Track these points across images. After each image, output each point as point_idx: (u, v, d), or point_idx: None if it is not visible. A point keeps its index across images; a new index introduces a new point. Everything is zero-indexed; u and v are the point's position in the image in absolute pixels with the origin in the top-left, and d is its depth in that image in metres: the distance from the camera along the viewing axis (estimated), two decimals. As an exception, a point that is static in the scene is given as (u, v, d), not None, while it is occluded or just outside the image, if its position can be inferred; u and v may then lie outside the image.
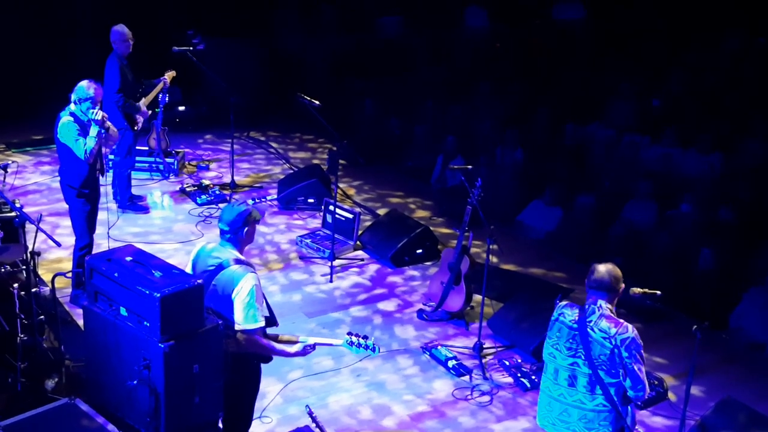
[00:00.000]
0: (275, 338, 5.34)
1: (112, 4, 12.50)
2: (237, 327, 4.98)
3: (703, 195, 9.40)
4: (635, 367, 4.74)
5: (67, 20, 12.69)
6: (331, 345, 5.39)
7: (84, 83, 7.31)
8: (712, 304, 8.16)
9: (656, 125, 10.87)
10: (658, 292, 5.41)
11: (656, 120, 11.14)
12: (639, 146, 10.59)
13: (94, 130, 7.26)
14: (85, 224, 7.57)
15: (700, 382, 7.08)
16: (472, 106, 12.36)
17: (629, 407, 4.90)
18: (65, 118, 7.26)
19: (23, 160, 11.16)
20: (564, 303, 5.08)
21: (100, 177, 7.64)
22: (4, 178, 8.26)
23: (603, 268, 4.90)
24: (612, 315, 4.86)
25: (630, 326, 4.82)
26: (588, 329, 4.82)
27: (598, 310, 4.86)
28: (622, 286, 4.95)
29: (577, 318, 4.90)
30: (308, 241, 9.28)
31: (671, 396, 6.92)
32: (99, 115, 7.26)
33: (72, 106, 7.32)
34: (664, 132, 10.51)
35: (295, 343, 5.32)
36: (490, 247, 7.29)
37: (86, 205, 7.52)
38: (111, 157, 10.17)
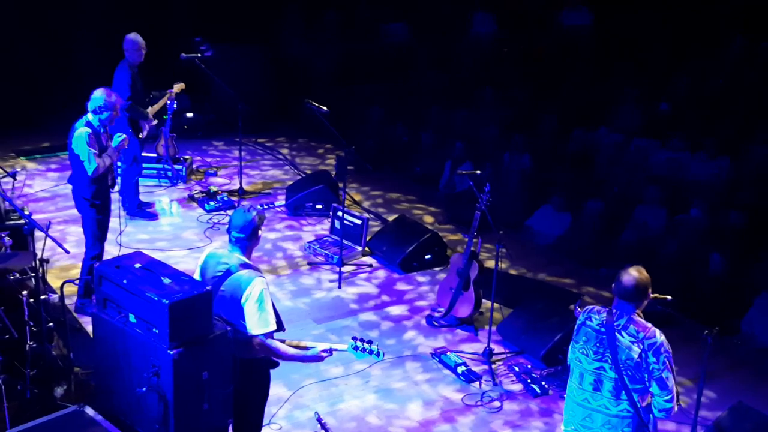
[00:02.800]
0: (282, 342, 5.33)
1: (120, 12, 12.56)
2: (249, 332, 4.97)
3: (713, 199, 9.37)
4: (663, 375, 4.68)
5: (75, 29, 12.73)
6: (336, 350, 5.38)
7: (101, 92, 7.33)
8: (723, 309, 8.12)
9: (664, 130, 10.84)
10: (669, 297, 5.37)
11: (664, 124, 11.11)
12: (647, 151, 10.56)
13: (110, 150, 7.34)
14: (96, 234, 7.58)
15: (711, 387, 7.06)
16: (479, 112, 12.35)
17: (651, 415, 4.85)
18: (81, 130, 7.25)
19: (32, 167, 11.18)
20: (590, 307, 5.03)
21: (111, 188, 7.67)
22: (13, 185, 8.27)
23: (631, 274, 4.81)
24: (640, 320, 4.82)
25: (658, 331, 4.76)
26: (615, 333, 4.78)
27: (626, 315, 4.82)
28: (650, 291, 4.89)
29: (604, 322, 4.86)
30: (316, 246, 9.27)
31: (683, 401, 6.88)
32: (126, 142, 7.39)
33: (89, 116, 7.32)
34: (671, 136, 10.48)
35: (305, 348, 5.31)
36: (499, 252, 7.27)
37: (98, 215, 7.54)
38: (119, 164, 10.20)
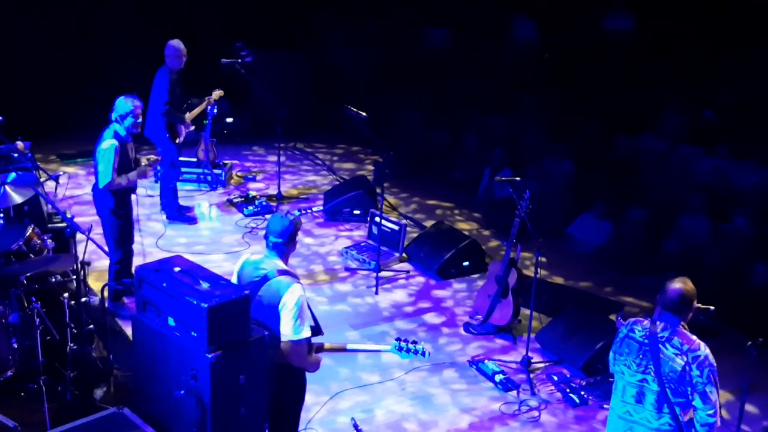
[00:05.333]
0: (321, 347, 5.34)
1: (161, 17, 12.69)
2: (284, 338, 4.96)
3: (758, 209, 9.20)
4: (706, 389, 4.60)
5: (117, 34, 12.89)
6: (379, 351, 5.36)
7: (123, 99, 7.33)
8: (767, 319, 7.96)
9: (709, 137, 10.68)
10: (712, 308, 5.27)
11: (709, 131, 10.95)
12: (691, 158, 10.41)
13: (133, 175, 7.42)
14: (118, 239, 7.62)
15: (754, 399, 6.92)
16: (519, 118, 12.27)
17: (693, 429, 4.75)
18: (109, 142, 7.25)
19: (74, 171, 11.32)
20: (633, 319, 4.95)
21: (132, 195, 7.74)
22: (56, 189, 8.38)
23: (677, 285, 4.72)
24: (685, 332, 4.73)
25: (703, 344, 4.67)
26: (659, 345, 4.70)
27: (671, 326, 4.73)
28: (696, 303, 4.80)
29: (648, 334, 4.78)
30: (354, 252, 9.26)
31: (724, 413, 6.73)
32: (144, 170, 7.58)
33: (116, 126, 7.33)
34: (716, 144, 10.32)
35: (342, 350, 5.30)
36: (539, 260, 7.19)
37: (119, 221, 7.58)
38: (157, 168, 10.31)
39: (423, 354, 5.20)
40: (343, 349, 5.55)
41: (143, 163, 7.71)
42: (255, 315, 5.01)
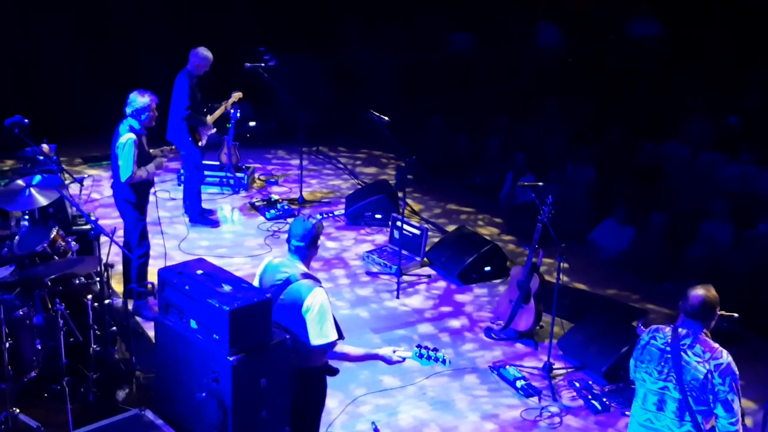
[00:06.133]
0: (347, 346, 5.34)
1: (185, 21, 12.78)
2: (311, 343, 4.97)
3: (783, 215, 9.11)
4: (728, 397, 4.55)
5: (141, 38, 12.98)
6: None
7: (136, 94, 7.37)
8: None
9: (733, 143, 10.59)
10: (736, 315, 5.21)
11: (733, 137, 10.86)
12: (715, 164, 10.32)
13: (151, 167, 7.46)
14: (141, 233, 7.70)
15: (780, 408, 6.83)
16: (542, 123, 12.23)
17: None
18: (127, 136, 7.32)
19: (98, 173, 11.41)
20: (654, 326, 4.92)
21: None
22: (80, 191, 8.45)
23: (700, 292, 4.68)
24: (707, 339, 4.69)
25: (725, 352, 4.63)
26: (681, 353, 4.66)
27: (693, 334, 4.69)
28: (719, 310, 4.76)
29: (669, 340, 4.74)
30: (375, 256, 9.26)
31: (748, 421, 6.66)
32: (161, 161, 7.62)
33: (130, 120, 7.39)
34: (741, 150, 10.23)
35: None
36: (561, 265, 7.16)
37: (142, 216, 7.66)
38: (180, 171, 10.37)
39: (443, 362, 5.19)
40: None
41: (157, 155, 7.75)
42: (277, 318, 5.03)
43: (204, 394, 4.88)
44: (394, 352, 5.24)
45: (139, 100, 7.34)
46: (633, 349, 5.00)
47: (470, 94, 13.52)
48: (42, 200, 6.61)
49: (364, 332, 7.85)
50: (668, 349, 4.73)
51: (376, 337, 7.79)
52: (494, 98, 13.21)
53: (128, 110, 7.38)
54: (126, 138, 7.31)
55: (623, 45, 13.64)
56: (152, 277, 7.72)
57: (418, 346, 5.25)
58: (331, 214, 10.54)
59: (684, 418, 4.68)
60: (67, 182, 8.03)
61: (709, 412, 4.63)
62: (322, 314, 4.97)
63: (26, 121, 8.89)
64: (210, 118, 9.74)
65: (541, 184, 7.84)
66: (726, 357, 4.60)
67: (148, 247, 7.79)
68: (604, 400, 6.87)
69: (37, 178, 6.71)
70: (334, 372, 5.24)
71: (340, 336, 5.18)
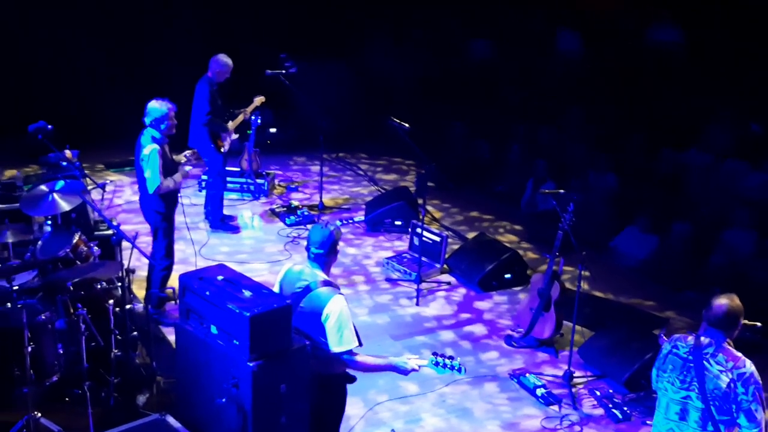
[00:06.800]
0: (367, 356, 5.33)
1: (207, 28, 12.86)
2: (331, 350, 4.97)
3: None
4: (751, 407, 4.51)
5: (163, 44, 13.07)
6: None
7: (155, 104, 7.37)
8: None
9: (755, 150, 10.50)
10: (759, 324, 5.17)
11: (756, 145, 10.76)
12: (738, 172, 10.24)
13: (178, 177, 7.48)
14: (169, 244, 7.71)
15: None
16: (563, 130, 12.18)
17: None
18: (150, 147, 7.31)
19: (120, 179, 11.49)
20: (676, 336, 4.88)
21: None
22: (102, 196, 8.50)
23: (723, 302, 4.64)
24: (730, 348, 4.65)
25: (749, 362, 4.59)
26: (704, 362, 4.62)
27: (716, 343, 4.66)
28: (742, 319, 4.72)
29: (692, 350, 4.70)
30: (395, 263, 9.26)
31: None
32: (186, 170, 7.62)
33: (151, 131, 7.40)
34: (763, 157, 10.14)
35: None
36: (582, 273, 7.12)
37: (170, 228, 7.67)
38: (203, 177, 10.41)
39: (459, 370, 5.17)
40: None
41: (182, 161, 7.77)
42: (297, 325, 5.03)
43: (224, 400, 4.89)
44: (409, 360, 5.22)
45: (157, 109, 7.34)
46: (655, 358, 4.97)
47: (491, 101, 13.50)
48: (65, 205, 6.66)
49: (384, 339, 7.84)
50: (690, 358, 4.69)
51: (396, 343, 7.78)
52: (515, 105, 13.18)
53: (147, 120, 7.38)
54: (149, 149, 7.32)
55: (645, 52, 13.56)
56: (173, 283, 7.77)
57: (434, 353, 5.24)
58: (350, 221, 10.54)
59: (707, 427, 4.64)
60: (89, 188, 8.08)
61: (732, 422, 4.59)
62: (342, 322, 4.97)
63: (50, 127, 8.95)
64: (231, 124, 9.78)
65: (562, 191, 7.80)
66: (749, 366, 4.56)
67: (171, 261, 7.80)
68: (625, 408, 6.82)
69: (60, 183, 6.75)
70: (353, 379, 5.24)
71: (359, 343, 5.18)
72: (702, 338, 4.70)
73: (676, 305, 8.78)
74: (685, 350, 4.74)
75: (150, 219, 7.69)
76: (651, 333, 7.59)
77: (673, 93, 12.45)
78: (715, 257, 9.14)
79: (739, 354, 4.62)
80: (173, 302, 7.85)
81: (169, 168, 7.47)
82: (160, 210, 7.54)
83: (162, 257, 7.66)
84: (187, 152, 7.87)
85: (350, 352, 5.02)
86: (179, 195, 7.75)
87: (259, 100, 10.28)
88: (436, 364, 5.19)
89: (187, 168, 7.75)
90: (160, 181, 7.32)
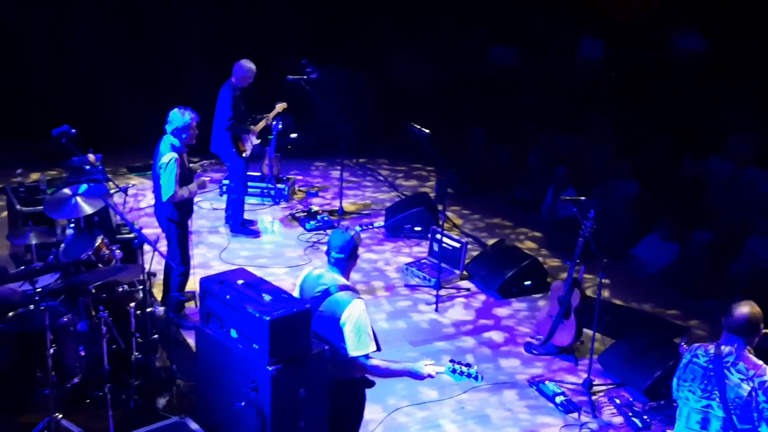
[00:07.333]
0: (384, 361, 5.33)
1: (229, 34, 12.93)
2: (349, 354, 4.98)
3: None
4: None
5: (185, 49, 13.16)
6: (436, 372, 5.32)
7: (177, 112, 7.41)
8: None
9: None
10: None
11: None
12: (759, 180, 10.16)
13: (193, 187, 7.53)
14: (184, 250, 7.75)
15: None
16: (585, 136, 12.14)
17: None
18: (169, 156, 7.35)
19: (142, 183, 11.57)
20: (696, 345, 4.86)
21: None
22: (125, 200, 8.56)
23: (744, 310, 4.63)
24: (751, 356, 4.62)
25: None
26: (724, 370, 4.60)
27: (736, 351, 4.63)
28: (763, 327, 4.69)
29: (712, 359, 4.68)
30: (414, 269, 9.26)
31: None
32: (203, 180, 7.67)
33: (171, 138, 7.44)
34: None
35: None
36: (602, 280, 7.09)
37: (184, 236, 7.71)
38: (225, 181, 10.45)
39: (476, 378, 5.17)
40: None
41: (198, 170, 7.80)
42: (316, 329, 5.05)
43: (243, 404, 4.90)
44: (426, 366, 5.22)
45: (180, 118, 7.39)
46: (676, 366, 4.95)
47: (511, 107, 13.48)
48: (87, 209, 6.72)
49: (402, 345, 7.84)
50: (711, 366, 4.67)
51: (414, 349, 7.78)
52: (535, 111, 13.16)
53: (169, 128, 7.43)
54: (168, 158, 7.36)
55: (666, 59, 13.50)
56: (189, 286, 7.81)
57: (452, 361, 5.23)
58: (370, 226, 10.56)
59: (729, 436, 4.61)
60: (111, 191, 8.15)
61: (754, 431, 4.56)
62: (360, 326, 4.98)
63: (73, 131, 9.03)
64: (254, 128, 9.83)
65: (583, 198, 7.77)
66: None
67: (188, 266, 7.84)
68: (645, 417, 6.77)
69: (83, 187, 6.81)
70: (372, 384, 5.25)
71: (377, 348, 5.18)
72: (722, 347, 4.68)
73: (698, 313, 8.72)
74: (705, 359, 4.72)
75: (163, 226, 7.75)
76: (671, 341, 7.54)
77: (695, 100, 12.39)
78: (736, 265, 9.08)
79: (760, 362, 4.60)
80: (194, 305, 7.88)
81: (185, 177, 7.51)
82: (173, 218, 7.58)
83: (178, 263, 7.70)
84: (205, 162, 7.90)
85: (367, 356, 5.03)
86: (194, 204, 7.78)
87: (281, 106, 10.33)
88: (453, 371, 5.18)
89: (204, 178, 7.79)
90: (175, 189, 7.37)
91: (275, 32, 13.83)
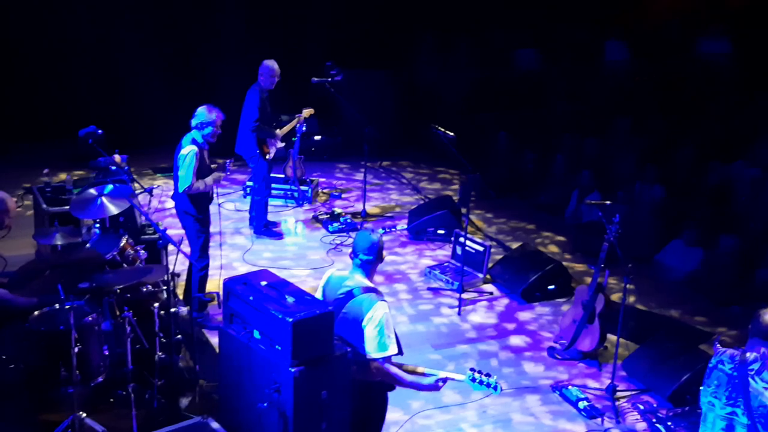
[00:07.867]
0: (399, 367, 5.32)
1: (255, 36, 12.98)
2: (368, 355, 4.98)
3: None
4: None
5: (212, 52, 13.22)
6: (453, 380, 5.31)
7: (204, 109, 7.52)
8: None
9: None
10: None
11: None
12: (787, 186, 10.06)
13: (209, 180, 7.56)
14: (203, 245, 7.80)
15: None
16: (609, 141, 12.07)
17: None
18: (189, 148, 7.45)
19: (168, 184, 11.62)
20: (722, 350, 4.81)
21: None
22: (150, 201, 8.62)
23: None
24: None
25: None
26: (749, 378, 4.55)
27: (762, 359, 4.58)
28: None
29: (737, 366, 4.63)
30: (437, 272, 9.24)
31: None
32: (219, 175, 7.72)
33: (194, 133, 7.53)
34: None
35: (422, 375, 5.28)
36: (627, 286, 7.04)
37: (203, 228, 7.76)
38: (249, 183, 10.48)
39: (495, 389, 5.15)
40: (423, 374, 5.51)
41: (213, 167, 7.86)
42: (339, 331, 5.05)
43: (265, 405, 4.92)
44: (445, 381, 5.19)
45: (205, 114, 7.49)
46: (700, 373, 4.91)
47: (537, 111, 13.43)
48: (113, 209, 6.76)
49: (424, 348, 7.83)
50: (735, 374, 4.62)
51: (436, 353, 7.76)
52: (561, 115, 13.10)
53: (193, 122, 7.54)
54: (188, 150, 7.45)
55: (693, 63, 13.40)
56: (212, 287, 7.84)
57: (472, 369, 5.22)
58: (393, 229, 10.55)
59: (753, 444, 4.57)
60: (137, 192, 8.20)
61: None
62: (382, 328, 4.97)
63: (100, 131, 9.11)
64: (279, 132, 9.87)
65: (608, 202, 7.72)
66: None
67: (208, 260, 7.89)
68: (669, 423, 6.71)
69: (109, 187, 6.86)
70: (394, 386, 5.24)
71: (399, 352, 5.17)
72: (748, 354, 4.63)
73: (723, 320, 8.63)
74: (729, 366, 4.67)
75: (181, 219, 7.82)
76: (696, 348, 7.48)
77: (722, 105, 12.29)
78: (762, 271, 8.98)
79: None
80: (217, 304, 7.92)
81: (203, 173, 7.59)
82: (190, 211, 7.66)
83: (198, 258, 7.75)
84: (228, 161, 7.94)
85: (386, 360, 5.01)
86: (212, 196, 7.82)
87: (307, 112, 10.37)
88: (473, 380, 5.17)
89: (220, 174, 7.84)
90: (192, 181, 7.46)
91: (302, 35, 13.86)
